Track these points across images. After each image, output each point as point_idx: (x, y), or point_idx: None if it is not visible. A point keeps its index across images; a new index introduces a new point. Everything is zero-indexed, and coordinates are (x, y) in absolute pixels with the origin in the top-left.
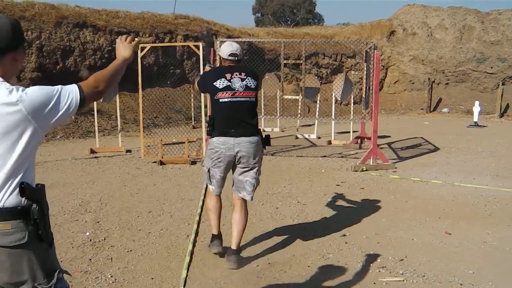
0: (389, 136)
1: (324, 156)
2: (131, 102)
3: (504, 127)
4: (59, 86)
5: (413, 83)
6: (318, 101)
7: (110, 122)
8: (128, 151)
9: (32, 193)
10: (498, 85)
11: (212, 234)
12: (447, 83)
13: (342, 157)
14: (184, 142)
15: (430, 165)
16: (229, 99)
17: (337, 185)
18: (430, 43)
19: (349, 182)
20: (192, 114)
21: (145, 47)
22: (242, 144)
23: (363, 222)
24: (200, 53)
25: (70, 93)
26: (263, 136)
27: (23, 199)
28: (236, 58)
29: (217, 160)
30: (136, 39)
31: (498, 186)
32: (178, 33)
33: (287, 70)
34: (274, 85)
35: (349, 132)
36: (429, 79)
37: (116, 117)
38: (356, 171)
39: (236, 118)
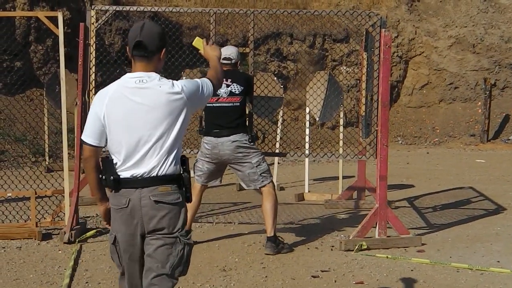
0: (411, 186)
1: (290, 223)
2: None
3: None
4: (199, 80)
5: (456, 87)
6: (279, 122)
7: None
8: None
9: (187, 164)
10: None
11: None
12: None
13: (323, 224)
14: (29, 198)
15: (487, 240)
16: (213, 104)
17: (314, 276)
18: (488, 13)
19: (337, 272)
20: (46, 145)
21: None
22: (225, 144)
23: None
24: (60, 31)
25: (207, 84)
26: (250, 134)
27: (177, 168)
28: (230, 62)
29: (205, 155)
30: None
31: None
32: None
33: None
34: None
35: (336, 178)
36: (485, 80)
37: None
38: (349, 250)
39: (219, 121)
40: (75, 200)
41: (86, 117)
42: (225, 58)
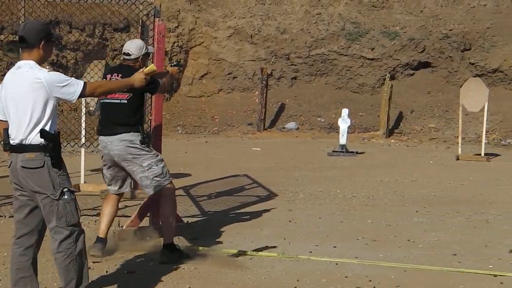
0: (188, 175)
1: None
2: None
3: (394, 153)
4: (72, 78)
5: (234, 77)
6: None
7: None
8: None
9: (49, 136)
10: (384, 79)
11: (97, 236)
12: (294, 78)
13: (97, 215)
14: None
15: (258, 225)
16: (103, 100)
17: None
18: (265, 5)
19: (108, 263)
20: None
21: None
22: (114, 143)
23: None
24: None
25: (76, 85)
26: (142, 133)
27: (41, 140)
28: (129, 57)
29: (102, 159)
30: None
31: (376, 259)
32: None
33: None
34: None
35: None
36: (262, 70)
37: None
38: (124, 240)
39: (108, 119)
40: None
41: None
42: (124, 53)
